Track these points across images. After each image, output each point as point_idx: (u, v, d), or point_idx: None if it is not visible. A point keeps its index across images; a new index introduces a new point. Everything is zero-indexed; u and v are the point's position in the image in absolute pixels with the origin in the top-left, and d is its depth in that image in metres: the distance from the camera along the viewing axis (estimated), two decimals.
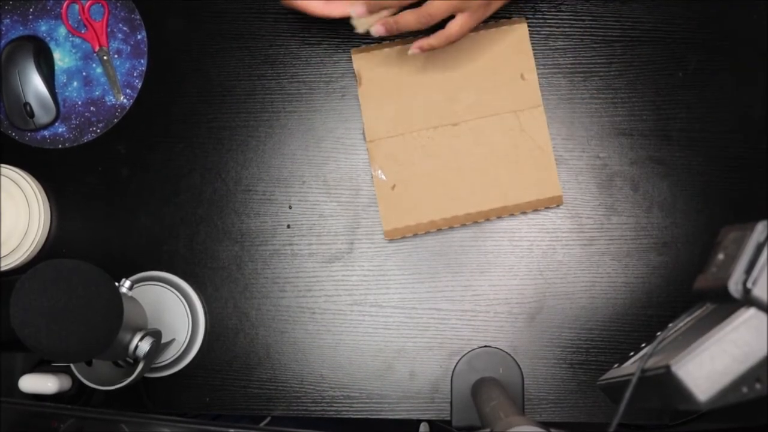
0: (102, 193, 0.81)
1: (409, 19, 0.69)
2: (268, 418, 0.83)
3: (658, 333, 0.52)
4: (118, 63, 0.81)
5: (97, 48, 0.81)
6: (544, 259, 0.78)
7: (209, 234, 0.80)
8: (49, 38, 0.81)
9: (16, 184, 0.78)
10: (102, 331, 0.59)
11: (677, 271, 0.77)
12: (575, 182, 0.78)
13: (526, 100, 0.77)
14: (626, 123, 0.78)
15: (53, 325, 0.56)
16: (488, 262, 0.78)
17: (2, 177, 0.78)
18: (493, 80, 0.77)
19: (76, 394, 0.76)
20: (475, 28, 0.78)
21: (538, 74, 0.78)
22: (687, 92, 0.79)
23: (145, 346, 0.65)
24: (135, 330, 0.65)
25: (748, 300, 0.44)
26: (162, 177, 0.81)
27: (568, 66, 0.79)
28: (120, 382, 0.70)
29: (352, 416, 0.78)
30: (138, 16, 0.81)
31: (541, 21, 0.79)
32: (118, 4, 0.81)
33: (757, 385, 0.43)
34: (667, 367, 0.44)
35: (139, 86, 0.81)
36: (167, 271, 0.79)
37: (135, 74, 0.81)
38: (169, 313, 0.77)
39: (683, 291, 0.77)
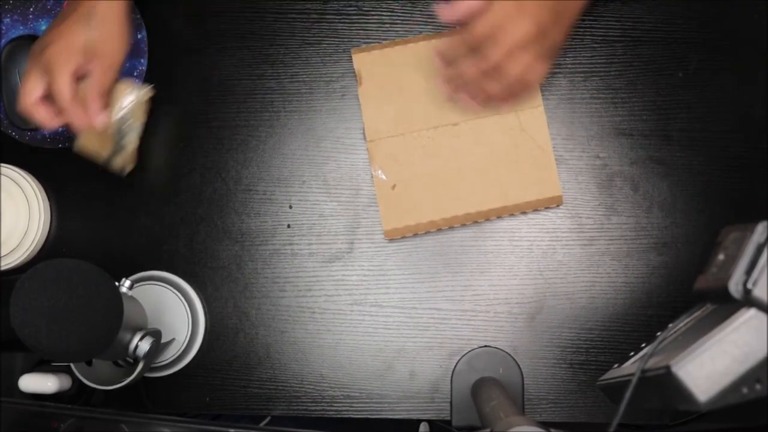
0: (102, 193, 0.81)
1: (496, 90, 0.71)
2: (268, 418, 0.84)
3: (658, 333, 0.52)
4: None
5: None
6: (544, 259, 0.78)
7: (209, 234, 0.80)
8: None
9: (16, 183, 0.78)
10: (102, 331, 0.59)
11: (677, 271, 0.77)
12: (575, 182, 0.78)
13: (525, 99, 0.77)
14: (626, 123, 0.78)
15: (53, 325, 0.56)
16: (488, 262, 0.78)
17: (2, 177, 0.78)
18: None
19: (76, 394, 0.76)
20: None
21: None
22: (687, 92, 0.79)
23: (145, 345, 0.65)
24: (135, 330, 0.65)
25: (748, 300, 0.44)
26: (162, 177, 0.81)
27: (568, 66, 0.79)
28: (120, 382, 0.70)
29: (352, 416, 0.78)
30: (138, 16, 0.81)
31: None
32: None
33: (757, 386, 0.43)
34: (667, 368, 0.44)
35: None
36: (167, 270, 0.79)
37: (135, 74, 0.81)
38: (169, 312, 0.77)
39: (683, 291, 0.77)
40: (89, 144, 0.76)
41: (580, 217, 0.78)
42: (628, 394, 0.47)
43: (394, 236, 0.77)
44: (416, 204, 0.76)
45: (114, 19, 0.70)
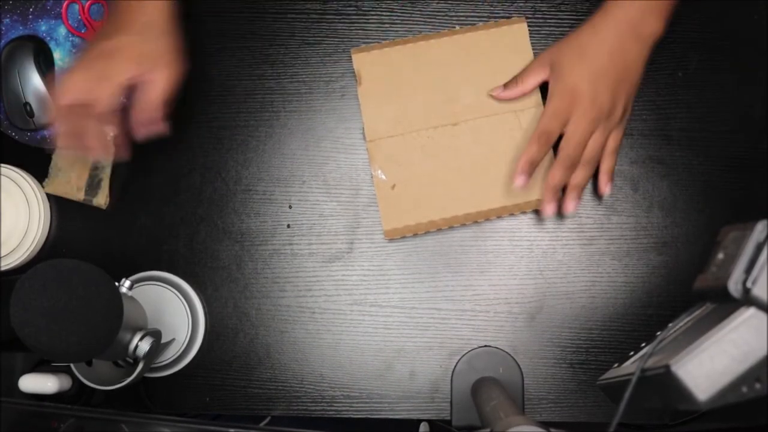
0: None
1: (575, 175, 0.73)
2: (268, 418, 0.84)
3: (658, 333, 0.52)
4: None
5: None
6: (544, 258, 0.78)
7: (209, 234, 0.80)
8: (49, 38, 0.81)
9: (16, 184, 0.78)
10: (102, 331, 0.59)
11: (677, 271, 0.77)
12: None
13: (526, 100, 0.77)
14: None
15: (53, 325, 0.56)
16: (488, 262, 0.78)
17: (2, 177, 0.78)
18: (493, 80, 0.77)
19: (76, 394, 0.76)
20: (475, 28, 0.79)
21: None
22: (687, 92, 0.79)
23: (145, 346, 0.65)
24: (135, 330, 0.66)
25: (747, 300, 0.44)
26: (162, 177, 0.81)
27: None
28: (120, 382, 0.70)
29: (352, 416, 0.78)
30: None
31: (541, 21, 0.79)
32: None
33: (757, 385, 0.43)
34: (667, 367, 0.44)
35: None
36: (167, 270, 0.79)
37: None
38: (169, 312, 0.77)
39: (683, 291, 0.77)
40: (63, 184, 0.78)
41: (580, 217, 0.78)
42: (627, 394, 0.47)
43: (394, 236, 0.77)
44: (416, 204, 0.76)
45: (170, 31, 0.71)
